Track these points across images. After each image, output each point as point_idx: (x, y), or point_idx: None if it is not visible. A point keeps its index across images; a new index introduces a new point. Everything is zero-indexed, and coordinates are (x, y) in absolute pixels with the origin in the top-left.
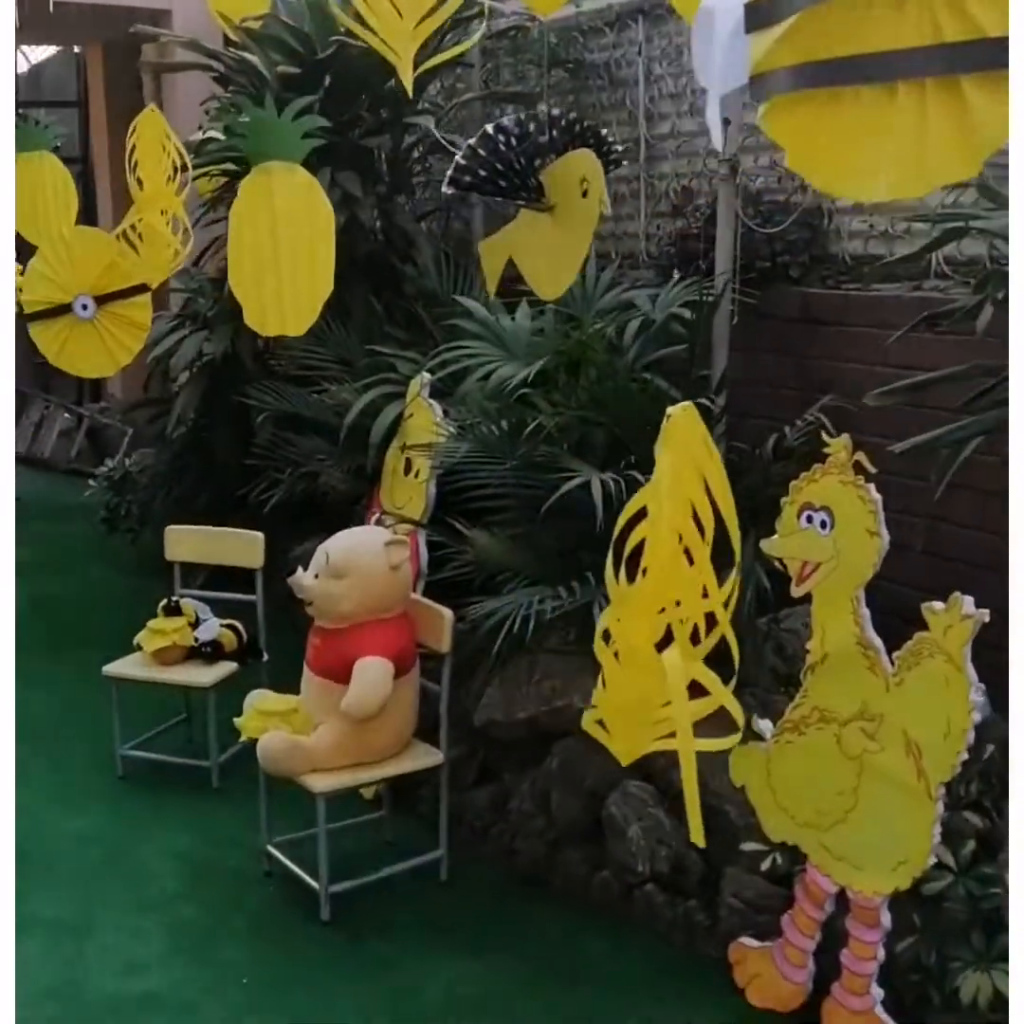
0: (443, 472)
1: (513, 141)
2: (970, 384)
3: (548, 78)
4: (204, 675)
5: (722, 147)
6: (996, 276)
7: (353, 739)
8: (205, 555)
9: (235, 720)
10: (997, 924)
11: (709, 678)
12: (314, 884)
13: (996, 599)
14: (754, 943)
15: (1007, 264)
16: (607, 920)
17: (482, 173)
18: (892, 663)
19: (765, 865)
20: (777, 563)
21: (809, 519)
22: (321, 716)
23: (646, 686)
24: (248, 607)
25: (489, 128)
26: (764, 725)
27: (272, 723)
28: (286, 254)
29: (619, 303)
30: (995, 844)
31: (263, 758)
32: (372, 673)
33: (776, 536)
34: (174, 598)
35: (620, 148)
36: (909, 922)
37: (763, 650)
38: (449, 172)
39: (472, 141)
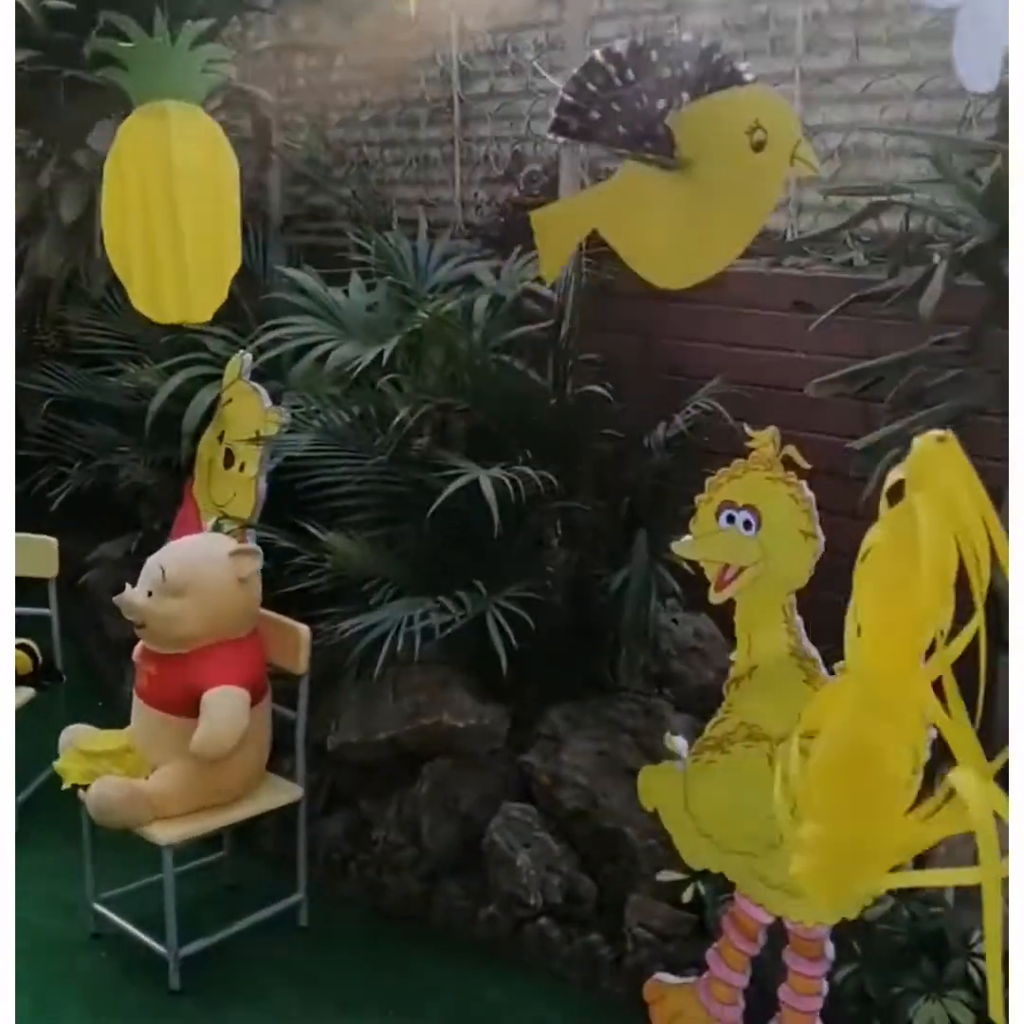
0: (279, 467)
1: (630, 74)
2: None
3: (350, 30)
4: None
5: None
6: (912, 254)
7: (202, 780)
8: None
9: (55, 764)
10: (944, 948)
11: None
12: (158, 947)
13: None
14: (673, 979)
15: (925, 242)
16: (496, 961)
17: (595, 115)
18: (833, 674)
19: (687, 896)
20: (687, 565)
21: (730, 519)
22: (160, 755)
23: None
24: (40, 623)
25: (597, 55)
26: (679, 743)
27: (100, 766)
28: (188, 219)
29: (457, 277)
30: (926, 861)
31: (96, 809)
32: (226, 706)
33: (689, 537)
34: None
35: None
36: (848, 949)
37: (634, 651)
38: (553, 113)
39: (577, 72)
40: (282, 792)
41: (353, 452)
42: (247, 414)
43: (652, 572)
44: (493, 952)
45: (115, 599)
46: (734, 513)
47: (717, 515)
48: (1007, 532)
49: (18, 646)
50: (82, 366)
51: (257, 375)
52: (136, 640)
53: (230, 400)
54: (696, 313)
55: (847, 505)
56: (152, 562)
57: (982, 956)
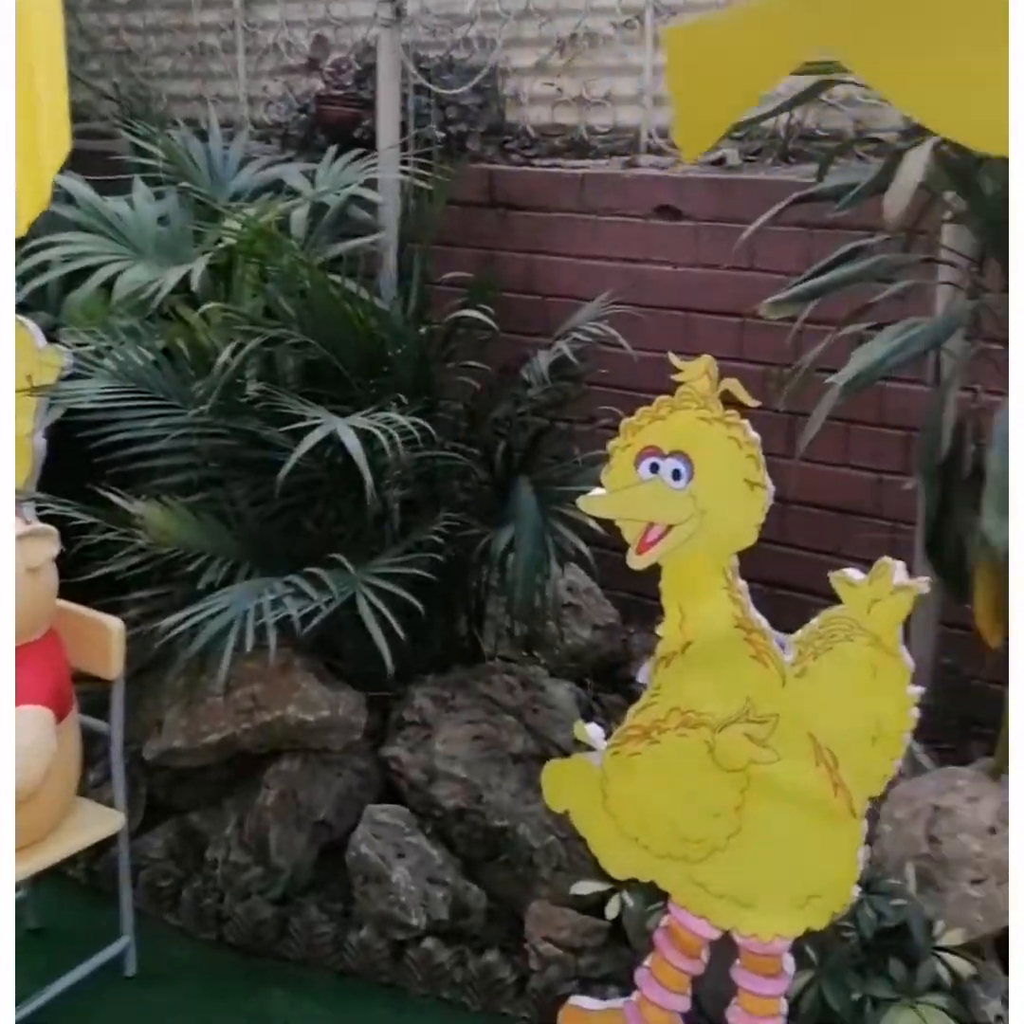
0: (62, 422)
1: None
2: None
3: None
4: None
5: None
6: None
7: None
8: None
9: None
10: (911, 944)
11: None
12: None
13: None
14: (594, 1004)
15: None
16: (375, 995)
17: None
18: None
19: (612, 912)
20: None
21: (654, 468)
22: None
23: None
24: None
25: None
26: (592, 731)
27: None
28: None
29: (262, 182)
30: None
31: None
32: (28, 732)
33: (600, 490)
34: None
35: None
36: (799, 955)
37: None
38: None
39: None
40: (99, 822)
41: (162, 400)
42: (14, 354)
43: (547, 532)
44: (368, 983)
45: None
46: (659, 461)
47: (637, 464)
48: None
49: None
50: None
51: (22, 308)
52: None
53: None
54: (544, 221)
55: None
56: None
57: (949, 950)
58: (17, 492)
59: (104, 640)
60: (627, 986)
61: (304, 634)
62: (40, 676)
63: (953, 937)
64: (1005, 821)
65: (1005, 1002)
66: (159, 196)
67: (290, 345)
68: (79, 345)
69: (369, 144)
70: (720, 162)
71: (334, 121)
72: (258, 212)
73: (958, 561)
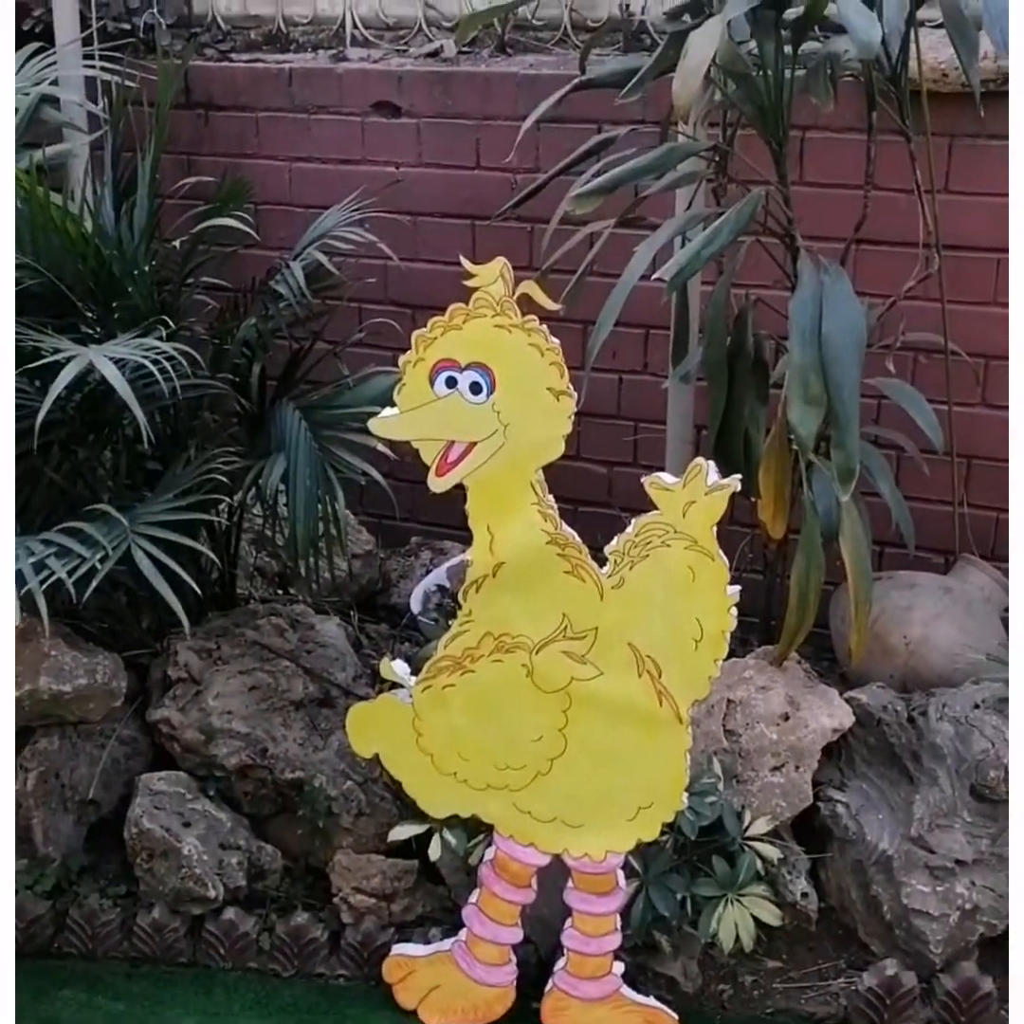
0: None
1: None
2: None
3: None
4: None
5: None
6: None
7: None
8: None
9: None
10: (727, 843)
11: None
12: None
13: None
14: (419, 950)
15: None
16: (176, 979)
17: None
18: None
19: (434, 853)
20: (383, 447)
21: (451, 382)
22: None
23: None
24: None
25: None
26: (398, 668)
27: None
28: None
29: None
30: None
31: None
32: None
33: (392, 411)
34: None
35: None
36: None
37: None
38: None
39: None
40: None
41: None
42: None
43: (326, 460)
44: (167, 967)
45: None
46: (456, 374)
47: (432, 379)
48: None
49: None
50: None
51: None
52: None
53: None
54: (249, 122)
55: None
56: None
57: (759, 838)
58: None
59: None
60: (445, 924)
61: (86, 599)
62: None
63: (760, 826)
64: (797, 706)
65: (810, 879)
66: None
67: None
68: None
69: (42, 37)
70: (436, 54)
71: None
72: None
73: (746, 456)
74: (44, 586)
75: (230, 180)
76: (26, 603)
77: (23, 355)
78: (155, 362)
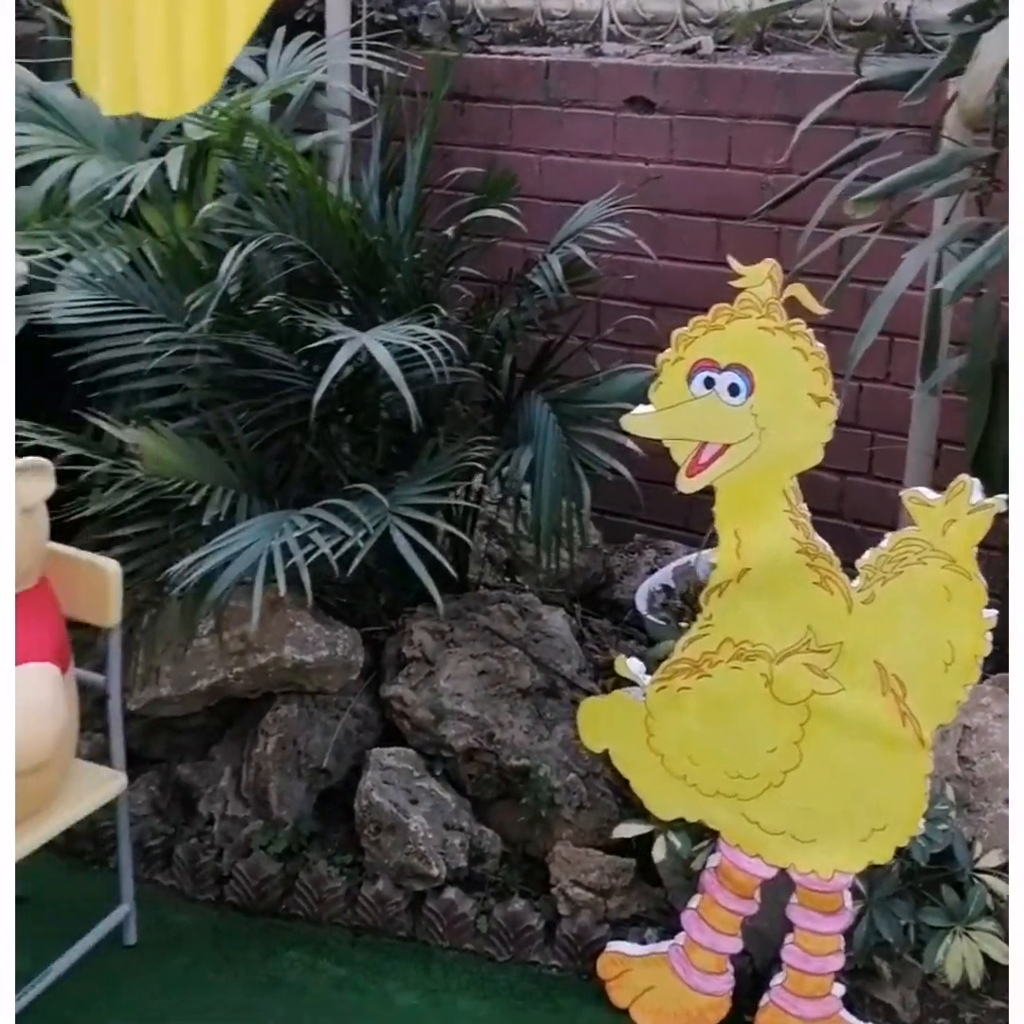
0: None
1: None
2: None
3: None
4: None
5: None
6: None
7: None
8: None
9: None
10: (958, 873)
11: None
12: None
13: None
14: (636, 949)
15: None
16: (396, 951)
17: None
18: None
19: (659, 855)
20: (634, 444)
21: (708, 383)
22: None
23: None
24: None
25: None
26: (633, 666)
27: None
28: None
29: None
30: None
31: None
32: (35, 695)
33: (647, 408)
34: None
35: None
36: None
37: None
38: None
39: None
40: (99, 785)
41: (145, 313)
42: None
43: (574, 453)
44: (388, 938)
45: None
46: (714, 375)
47: (690, 378)
48: None
49: None
50: None
51: None
52: None
53: None
54: (504, 114)
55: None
56: None
57: (990, 872)
58: None
59: (100, 585)
60: (660, 926)
61: (349, 575)
62: (40, 629)
63: (991, 859)
64: None
65: None
66: None
67: (276, 251)
68: (30, 252)
69: (313, 27)
70: (693, 50)
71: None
72: (235, 100)
73: (1005, 475)
74: (308, 560)
75: (497, 172)
76: (289, 575)
77: (296, 335)
78: (423, 348)
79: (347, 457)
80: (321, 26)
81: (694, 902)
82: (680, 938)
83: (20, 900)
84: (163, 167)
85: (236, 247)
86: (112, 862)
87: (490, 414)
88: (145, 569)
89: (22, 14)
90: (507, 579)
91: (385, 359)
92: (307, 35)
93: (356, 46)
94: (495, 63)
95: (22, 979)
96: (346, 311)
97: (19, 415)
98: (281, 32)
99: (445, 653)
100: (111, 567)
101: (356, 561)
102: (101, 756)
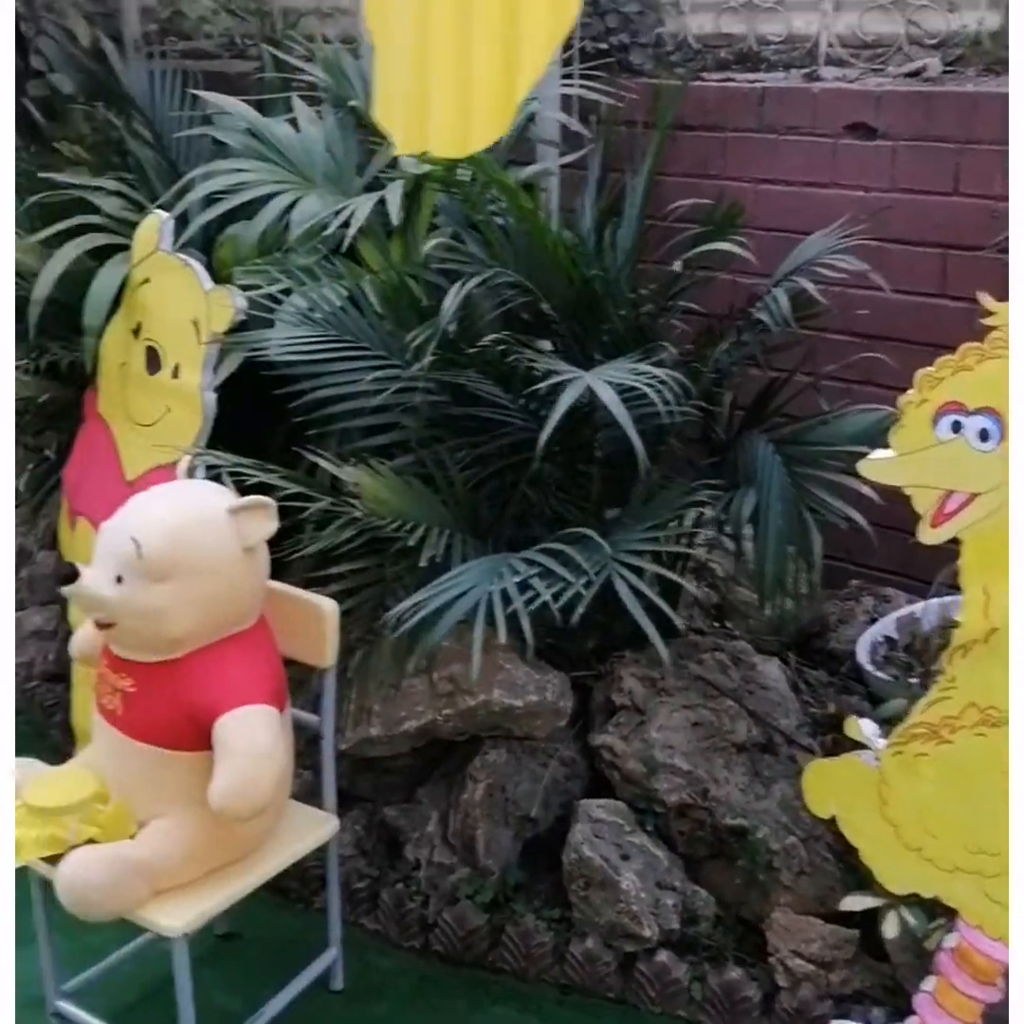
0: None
1: None
2: None
3: None
4: None
5: None
6: None
7: (214, 836)
8: None
9: None
10: None
11: None
12: None
13: None
14: None
15: None
16: (604, 1013)
17: None
18: None
19: (891, 931)
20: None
21: (956, 427)
22: (150, 804)
23: None
24: None
25: None
26: (867, 727)
27: (66, 828)
28: (483, 22)
29: None
30: None
31: (77, 900)
32: (255, 739)
33: (885, 452)
34: None
35: None
36: None
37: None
38: None
39: None
40: (313, 827)
41: (366, 350)
42: (175, 298)
43: (802, 498)
44: (596, 999)
45: (67, 590)
46: (962, 419)
47: (935, 422)
48: None
49: None
50: None
51: (184, 249)
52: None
53: (146, 279)
54: (716, 142)
55: None
56: (115, 531)
57: None
58: (187, 451)
59: (317, 624)
60: (887, 1006)
61: (572, 623)
62: (258, 669)
63: None
64: None
65: None
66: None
67: (495, 287)
68: (249, 288)
69: None
70: (917, 73)
71: None
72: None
73: None
74: (530, 608)
75: (725, 203)
76: (510, 622)
77: (515, 373)
78: (647, 386)
79: (556, 495)
80: None
81: (928, 984)
82: (912, 1021)
83: (229, 937)
84: (382, 201)
85: (458, 283)
86: (317, 902)
87: (706, 453)
88: (359, 607)
89: (237, 53)
90: (717, 625)
91: (611, 400)
92: None
93: (567, 76)
94: (707, 90)
95: (232, 1018)
96: (560, 347)
97: (235, 449)
98: None
99: (656, 702)
100: (329, 606)
101: (579, 610)
102: (309, 795)
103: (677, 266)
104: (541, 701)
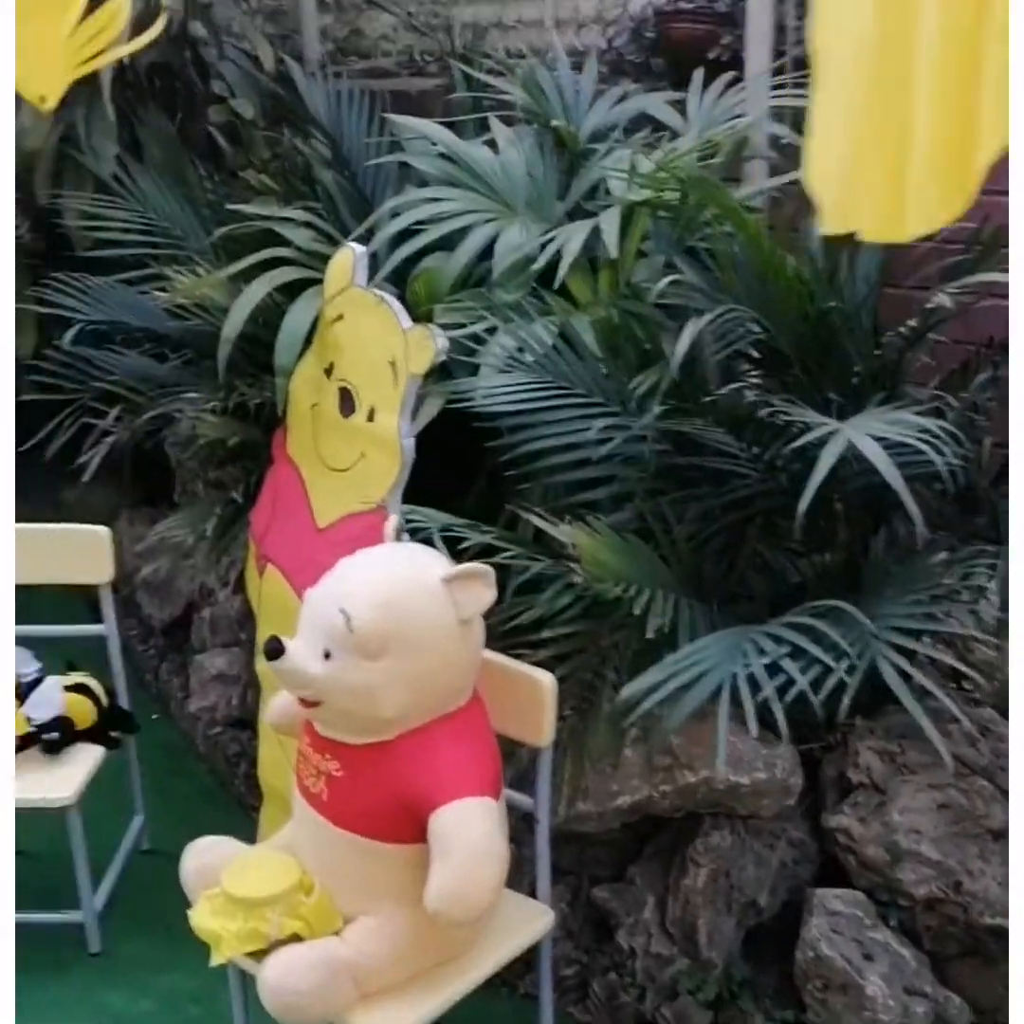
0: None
1: None
2: None
3: None
4: (58, 783)
5: None
6: None
7: (429, 936)
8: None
9: (195, 922)
10: None
11: None
12: None
13: None
14: None
15: None
16: None
17: None
18: None
19: None
20: None
21: None
22: (357, 899)
23: None
24: (88, 643)
25: None
26: None
27: (268, 922)
28: (937, 76)
29: (619, 118)
30: None
31: (284, 1006)
32: (477, 835)
33: None
34: None
35: None
36: None
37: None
38: None
39: None
40: (529, 921)
41: (583, 397)
42: (370, 336)
43: None
44: None
45: (273, 664)
46: None
47: None
48: None
49: (73, 688)
50: (93, 272)
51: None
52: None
53: (339, 317)
54: None
55: None
56: (323, 601)
57: None
58: (389, 504)
59: (533, 699)
60: None
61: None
62: (475, 752)
63: None
64: None
65: None
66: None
67: (724, 323)
68: (451, 326)
69: (729, 67)
70: None
71: (682, 41)
72: (672, 156)
73: None
74: (784, 698)
75: (992, 226)
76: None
77: (751, 421)
78: (930, 443)
79: (786, 554)
80: (738, 65)
81: None
82: None
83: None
84: (596, 230)
85: (689, 322)
86: (522, 987)
87: (959, 503)
88: (571, 675)
89: (415, 70)
90: (954, 687)
91: (878, 457)
92: (727, 76)
93: (778, 86)
94: None
95: None
96: (792, 388)
97: (419, 501)
98: (699, 74)
99: (898, 780)
100: (547, 681)
101: (846, 700)
102: (513, 870)
103: (942, 298)
104: (769, 778)
